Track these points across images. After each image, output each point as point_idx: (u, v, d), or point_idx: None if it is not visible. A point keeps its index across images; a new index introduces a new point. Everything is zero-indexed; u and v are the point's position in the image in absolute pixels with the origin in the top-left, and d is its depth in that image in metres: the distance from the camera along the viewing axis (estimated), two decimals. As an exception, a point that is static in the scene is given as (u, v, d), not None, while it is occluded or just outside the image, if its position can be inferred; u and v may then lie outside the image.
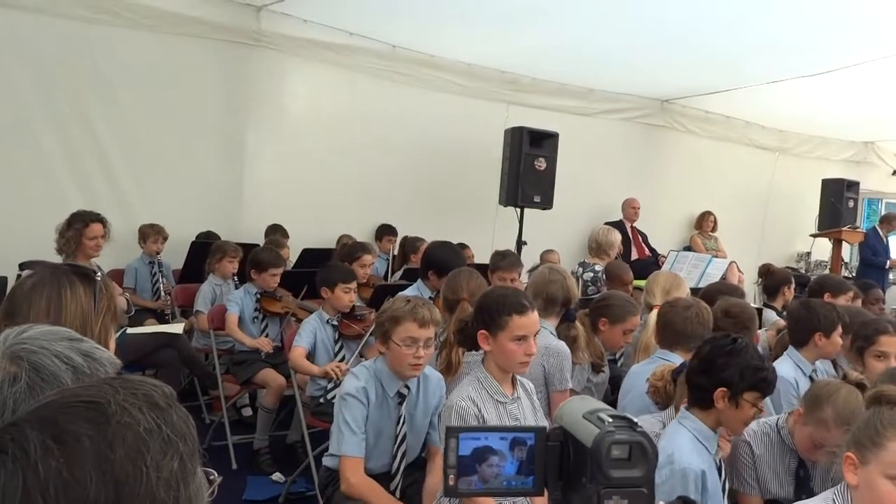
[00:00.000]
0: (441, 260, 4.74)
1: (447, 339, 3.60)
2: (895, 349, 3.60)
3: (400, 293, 3.29)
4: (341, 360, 4.51)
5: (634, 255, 9.22)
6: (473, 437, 0.65)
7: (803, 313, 3.95)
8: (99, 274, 1.99)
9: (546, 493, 0.66)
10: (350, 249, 6.06)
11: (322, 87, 7.56)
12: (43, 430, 0.83)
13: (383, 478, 3.12)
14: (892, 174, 12.18)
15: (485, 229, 8.20)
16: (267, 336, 5.31)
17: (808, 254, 10.95)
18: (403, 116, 7.85)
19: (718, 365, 2.63)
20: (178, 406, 0.92)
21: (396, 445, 3.16)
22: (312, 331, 4.56)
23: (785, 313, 5.43)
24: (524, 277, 5.48)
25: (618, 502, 0.60)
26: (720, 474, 2.65)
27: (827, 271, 9.06)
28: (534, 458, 0.65)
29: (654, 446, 0.62)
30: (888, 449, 2.06)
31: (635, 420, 0.63)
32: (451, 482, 0.71)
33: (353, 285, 4.75)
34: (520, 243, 7.46)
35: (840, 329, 3.85)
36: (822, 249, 10.30)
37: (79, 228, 5.08)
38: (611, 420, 0.63)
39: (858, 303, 5.39)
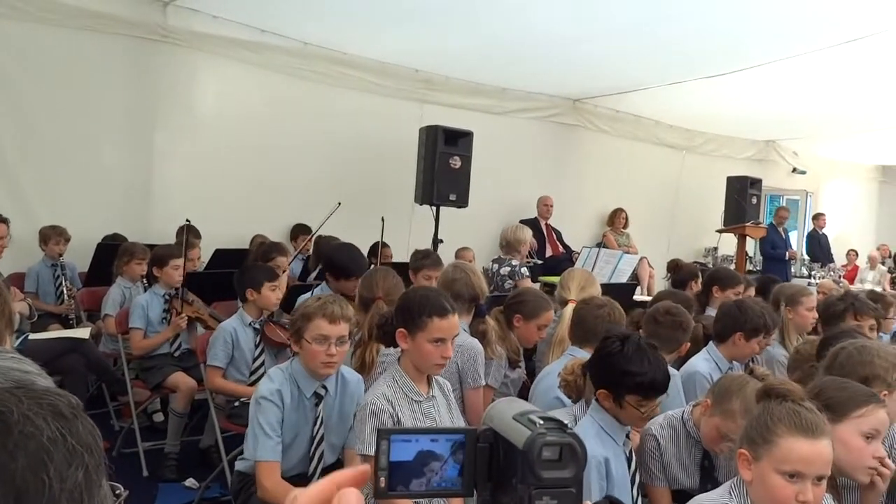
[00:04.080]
0: (336, 262, 4.70)
1: (362, 338, 3.59)
2: None
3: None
4: (260, 367, 4.43)
5: (549, 253, 9.36)
6: (405, 440, 0.64)
7: (733, 311, 4.02)
8: None
9: (475, 493, 0.66)
10: (265, 251, 5.96)
11: (233, 84, 7.42)
12: None
13: (299, 480, 3.07)
14: (792, 172, 12.69)
15: (401, 228, 8.18)
16: (178, 339, 5.17)
17: (715, 248, 11.31)
18: (317, 115, 7.77)
19: (600, 367, 2.71)
20: (84, 417, 0.89)
21: (314, 447, 3.12)
22: (225, 343, 4.41)
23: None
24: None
25: (548, 502, 0.61)
26: (629, 465, 2.70)
27: (733, 266, 9.36)
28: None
29: (584, 448, 0.62)
30: (778, 445, 2.08)
31: (566, 422, 0.63)
32: (382, 484, 0.70)
33: (278, 283, 4.66)
34: (436, 241, 7.48)
35: (761, 336, 3.92)
36: (729, 244, 10.65)
37: None
38: (542, 422, 0.63)
39: (752, 293, 5.54)
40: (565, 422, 0.63)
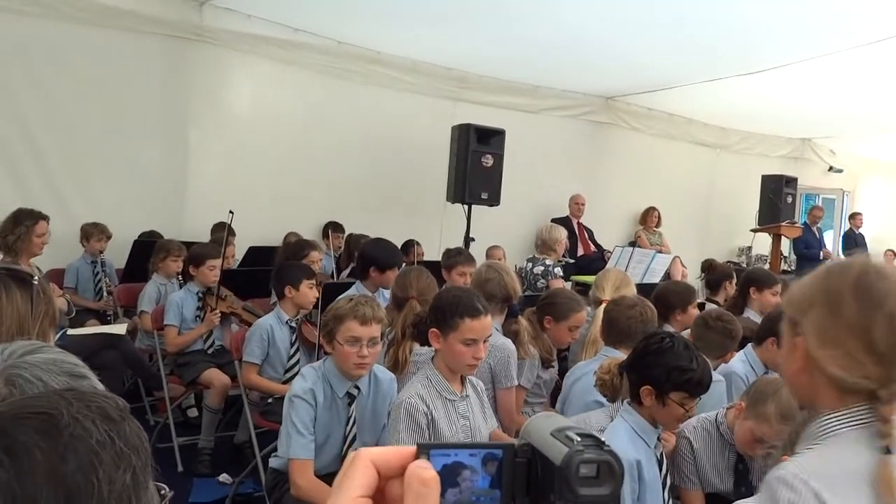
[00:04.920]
0: (378, 256, 4.73)
1: (395, 337, 3.61)
2: None
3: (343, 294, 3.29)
4: (295, 365, 4.47)
5: (581, 252, 9.33)
6: (444, 454, 0.65)
7: (774, 316, 3.93)
8: (37, 277, 1.95)
9: None
10: (296, 247, 6.00)
11: (266, 83, 7.49)
12: None
13: (332, 479, 3.08)
14: (829, 170, 12.52)
15: (432, 226, 8.21)
16: (211, 335, 5.23)
17: (749, 248, 11.19)
18: (350, 113, 7.81)
19: (646, 363, 2.68)
20: (131, 419, 0.91)
21: (346, 446, 3.14)
22: (262, 339, 4.46)
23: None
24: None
25: None
26: (660, 468, 2.69)
27: (767, 265, 9.26)
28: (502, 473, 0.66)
29: (622, 465, 0.62)
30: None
31: (602, 439, 0.64)
32: None
33: (315, 281, 4.71)
34: (468, 240, 7.48)
35: None
36: (763, 244, 10.54)
37: (29, 226, 5.00)
38: (579, 439, 0.63)
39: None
40: (602, 438, 0.64)
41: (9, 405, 0.90)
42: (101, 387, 1.25)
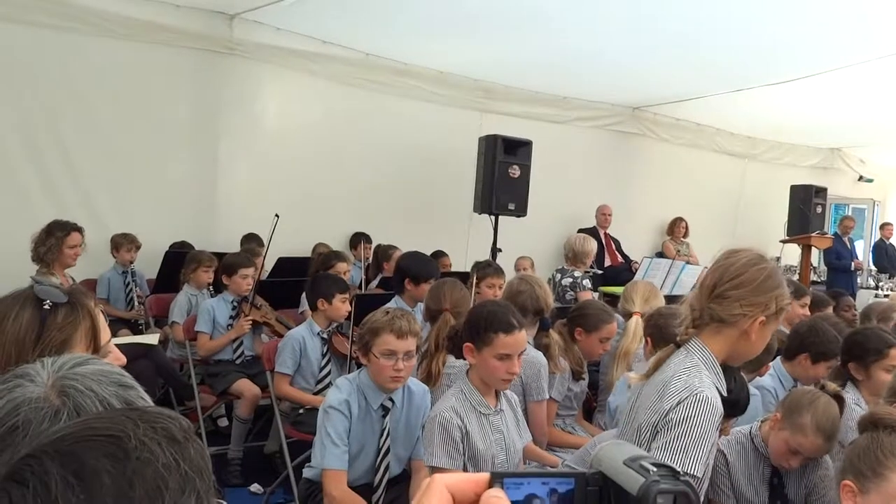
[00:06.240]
0: (412, 268, 4.75)
1: (428, 349, 3.62)
2: None
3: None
4: (327, 376, 4.49)
5: (608, 262, 9.29)
6: (516, 483, 0.66)
7: (803, 329, 3.91)
8: (67, 298, 1.87)
9: None
10: (325, 259, 6.04)
11: (295, 95, 7.54)
12: (64, 465, 0.80)
13: (365, 490, 3.12)
14: (858, 180, 12.40)
15: (459, 237, 8.22)
16: (242, 345, 5.26)
17: (778, 259, 11.07)
18: (377, 124, 7.85)
19: None
20: (194, 440, 0.90)
21: (380, 458, 3.15)
22: (294, 350, 4.48)
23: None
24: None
25: None
26: None
27: (797, 276, 9.17)
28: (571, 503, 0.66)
29: (698, 496, 0.63)
30: (890, 480, 2.02)
31: (678, 469, 0.64)
32: None
33: (348, 295, 4.74)
34: (494, 250, 7.47)
35: (830, 362, 3.74)
36: (792, 254, 10.45)
37: (60, 237, 5.06)
38: (654, 469, 0.64)
39: (829, 310, 5.44)
40: (677, 468, 0.64)
41: (74, 426, 0.89)
42: (147, 397, 1.26)
